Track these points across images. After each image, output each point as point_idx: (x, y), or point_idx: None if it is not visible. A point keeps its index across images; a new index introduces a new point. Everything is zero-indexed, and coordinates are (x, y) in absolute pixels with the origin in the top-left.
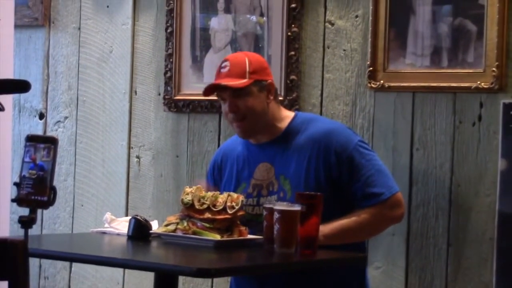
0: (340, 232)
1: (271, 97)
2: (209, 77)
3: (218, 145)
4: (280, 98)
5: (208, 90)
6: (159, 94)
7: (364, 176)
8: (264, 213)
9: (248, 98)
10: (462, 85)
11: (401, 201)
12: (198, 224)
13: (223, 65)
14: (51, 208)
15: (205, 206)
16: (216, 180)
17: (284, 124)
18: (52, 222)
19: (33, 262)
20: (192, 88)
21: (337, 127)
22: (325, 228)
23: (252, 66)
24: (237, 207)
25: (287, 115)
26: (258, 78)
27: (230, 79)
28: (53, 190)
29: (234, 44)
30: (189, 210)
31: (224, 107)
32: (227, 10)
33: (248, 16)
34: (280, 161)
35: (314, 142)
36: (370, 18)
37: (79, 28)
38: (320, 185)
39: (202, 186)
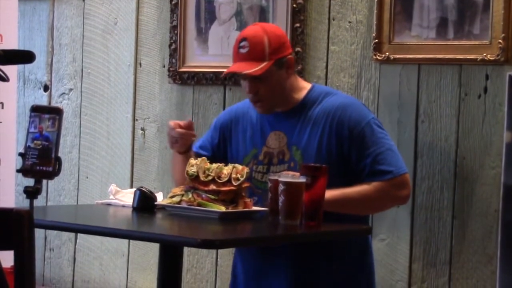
0: (340, 200)
1: (290, 72)
2: (213, 49)
3: None
4: None
5: (227, 74)
6: (164, 66)
7: (374, 153)
8: (269, 184)
9: (267, 80)
10: (468, 57)
11: (408, 182)
12: (203, 195)
13: (241, 44)
14: (56, 180)
15: (210, 177)
16: (226, 138)
17: (300, 95)
18: (57, 194)
19: (39, 234)
20: (197, 60)
21: (353, 103)
22: (326, 194)
23: (271, 46)
24: (242, 179)
25: (304, 86)
26: (278, 56)
27: (249, 63)
28: (58, 160)
29: (239, 16)
30: (194, 182)
31: (244, 85)
32: None
33: None
34: (294, 131)
35: (328, 115)
36: None
37: (84, 0)
38: (331, 158)
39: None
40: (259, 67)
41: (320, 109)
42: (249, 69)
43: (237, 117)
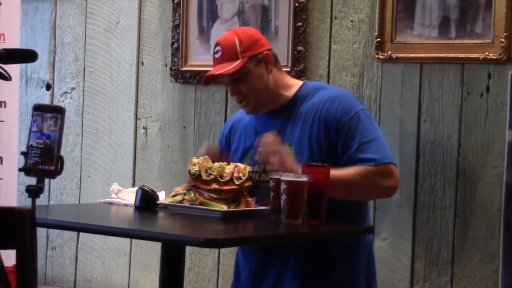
0: None
1: (271, 67)
2: None
3: (225, 116)
4: (287, 69)
5: (206, 80)
6: (166, 65)
7: (359, 142)
8: (271, 183)
9: (246, 78)
10: (470, 56)
11: (393, 173)
12: (205, 194)
13: (215, 50)
14: (58, 179)
15: (212, 177)
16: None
17: (291, 92)
18: (60, 193)
19: (41, 233)
20: (199, 59)
21: (342, 94)
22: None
23: (242, 44)
24: (244, 178)
25: (294, 83)
26: (252, 53)
27: (223, 65)
28: (60, 159)
29: (241, 15)
30: (196, 181)
31: (229, 89)
32: None
33: None
34: (287, 128)
35: (317, 109)
36: None
37: None
38: (321, 151)
39: (214, 151)
40: (232, 66)
41: (311, 103)
42: (222, 70)
43: (234, 126)
